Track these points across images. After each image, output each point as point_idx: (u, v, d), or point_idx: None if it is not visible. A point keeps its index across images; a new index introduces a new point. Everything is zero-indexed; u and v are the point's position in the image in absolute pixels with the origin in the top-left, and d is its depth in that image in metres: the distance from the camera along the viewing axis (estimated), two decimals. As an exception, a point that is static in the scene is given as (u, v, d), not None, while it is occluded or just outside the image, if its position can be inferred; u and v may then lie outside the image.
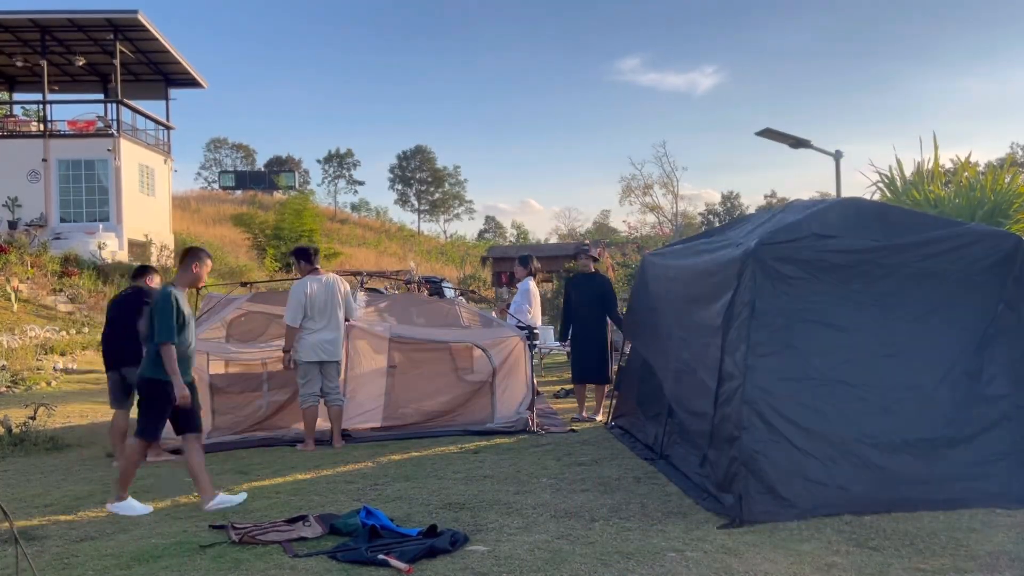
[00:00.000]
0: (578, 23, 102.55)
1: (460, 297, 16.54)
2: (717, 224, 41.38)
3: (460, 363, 8.65)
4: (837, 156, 13.03)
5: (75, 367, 14.43)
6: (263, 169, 65.04)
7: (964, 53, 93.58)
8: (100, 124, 27.07)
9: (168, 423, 5.66)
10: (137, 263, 24.09)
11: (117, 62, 25.77)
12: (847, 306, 5.24)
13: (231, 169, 68.17)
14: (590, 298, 9.00)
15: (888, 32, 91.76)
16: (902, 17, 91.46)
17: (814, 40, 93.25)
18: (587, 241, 32.81)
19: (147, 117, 29.51)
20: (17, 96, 31.21)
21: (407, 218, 76.74)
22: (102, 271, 21.82)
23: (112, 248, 24.33)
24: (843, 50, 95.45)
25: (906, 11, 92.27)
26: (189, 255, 5.87)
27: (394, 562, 4.19)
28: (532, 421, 8.17)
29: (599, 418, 8.93)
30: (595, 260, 9.43)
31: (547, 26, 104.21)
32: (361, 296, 8.85)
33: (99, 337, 8.32)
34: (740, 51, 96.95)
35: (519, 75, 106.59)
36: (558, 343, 17.84)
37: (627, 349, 8.60)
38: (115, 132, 26.12)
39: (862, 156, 77.89)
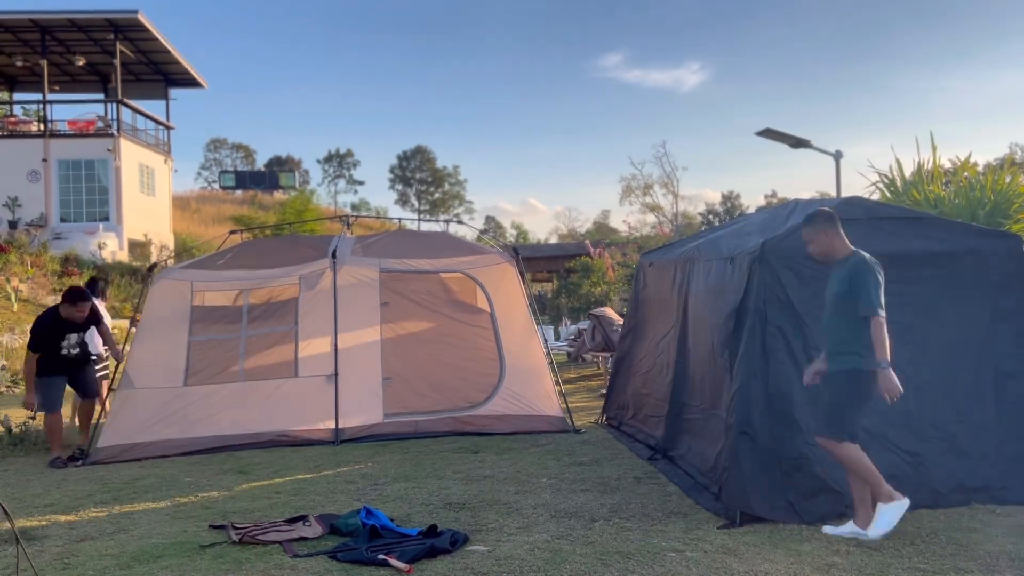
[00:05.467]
0: (561, 19, 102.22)
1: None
2: (717, 224, 41.35)
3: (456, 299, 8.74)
4: (837, 156, 13.03)
5: (75, 367, 14.38)
6: (264, 169, 65.04)
7: (958, 53, 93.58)
8: (100, 124, 27.08)
9: None
10: (136, 263, 24.28)
11: (117, 62, 25.78)
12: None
13: (231, 169, 68.21)
14: None
15: (881, 32, 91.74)
16: (894, 17, 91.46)
17: (801, 39, 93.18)
18: (587, 241, 32.73)
19: (147, 117, 29.53)
20: (17, 96, 31.22)
21: (407, 217, 76.84)
22: (102, 271, 21.82)
23: (112, 248, 24.38)
24: (834, 49, 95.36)
25: (897, 11, 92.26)
26: None
27: (394, 562, 4.19)
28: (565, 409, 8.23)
29: None
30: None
31: (537, 24, 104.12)
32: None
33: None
34: (726, 50, 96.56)
35: (516, 74, 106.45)
36: (559, 342, 17.90)
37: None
38: (115, 132, 26.14)
39: (858, 156, 77.82)
